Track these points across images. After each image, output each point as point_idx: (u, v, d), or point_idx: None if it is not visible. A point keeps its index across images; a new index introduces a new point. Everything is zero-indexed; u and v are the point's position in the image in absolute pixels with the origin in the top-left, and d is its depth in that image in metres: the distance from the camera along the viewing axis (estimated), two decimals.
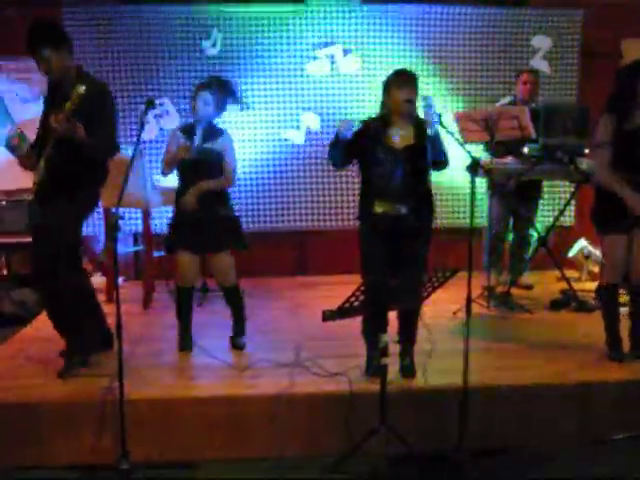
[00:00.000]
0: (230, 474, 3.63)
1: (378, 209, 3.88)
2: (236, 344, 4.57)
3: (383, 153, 3.83)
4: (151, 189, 5.51)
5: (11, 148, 4.04)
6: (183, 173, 4.41)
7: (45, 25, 3.95)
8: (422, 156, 3.86)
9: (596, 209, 4.29)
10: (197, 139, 4.38)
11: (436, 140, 3.82)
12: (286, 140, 6.72)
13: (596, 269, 6.48)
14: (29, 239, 5.93)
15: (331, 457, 3.61)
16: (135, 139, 3.64)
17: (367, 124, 3.93)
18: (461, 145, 3.61)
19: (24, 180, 4.04)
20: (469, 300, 3.52)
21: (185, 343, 4.53)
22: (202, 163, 4.35)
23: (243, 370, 4.10)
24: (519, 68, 6.31)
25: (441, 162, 3.93)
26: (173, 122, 6.45)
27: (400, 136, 3.88)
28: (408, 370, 4.02)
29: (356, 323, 3.94)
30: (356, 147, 3.86)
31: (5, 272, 6.57)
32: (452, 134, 3.64)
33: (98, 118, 3.87)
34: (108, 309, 4.53)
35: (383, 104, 3.95)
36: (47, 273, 3.94)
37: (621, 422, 3.85)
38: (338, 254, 6.69)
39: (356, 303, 3.18)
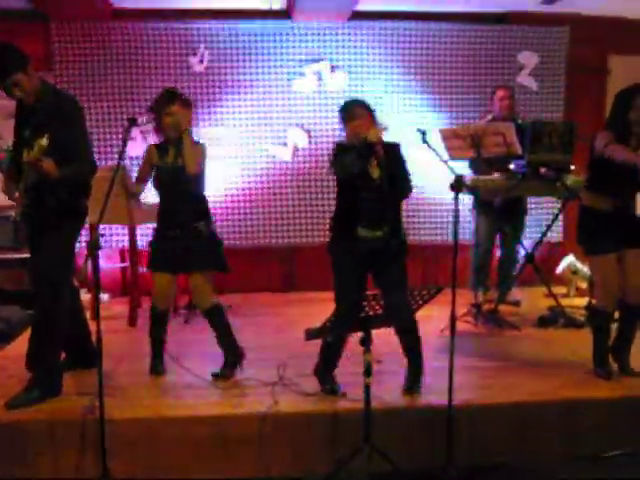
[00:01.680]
0: None
1: (360, 234, 3.85)
2: (223, 374, 4.27)
3: (362, 182, 3.79)
4: (136, 205, 5.48)
5: None
6: (164, 194, 4.26)
7: (7, 51, 3.74)
8: (395, 181, 3.84)
9: (581, 229, 4.26)
10: (170, 157, 4.22)
11: (399, 169, 3.85)
12: (273, 157, 6.72)
13: (584, 285, 6.49)
14: (14, 255, 5.92)
15: (317, 476, 3.58)
16: (119, 156, 3.61)
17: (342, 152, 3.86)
18: (444, 162, 3.61)
19: None
20: (453, 318, 3.50)
21: (156, 367, 4.39)
22: (180, 182, 4.17)
23: (228, 389, 4.06)
24: (501, 84, 6.30)
25: (404, 192, 3.92)
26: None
27: (372, 165, 3.80)
28: (410, 389, 3.99)
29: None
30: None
31: None
32: (435, 151, 3.62)
33: (70, 139, 3.78)
34: (93, 326, 4.50)
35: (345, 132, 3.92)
36: (46, 298, 3.88)
37: (609, 439, 3.84)
38: (327, 270, 6.66)
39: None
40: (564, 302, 5.81)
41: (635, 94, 4.01)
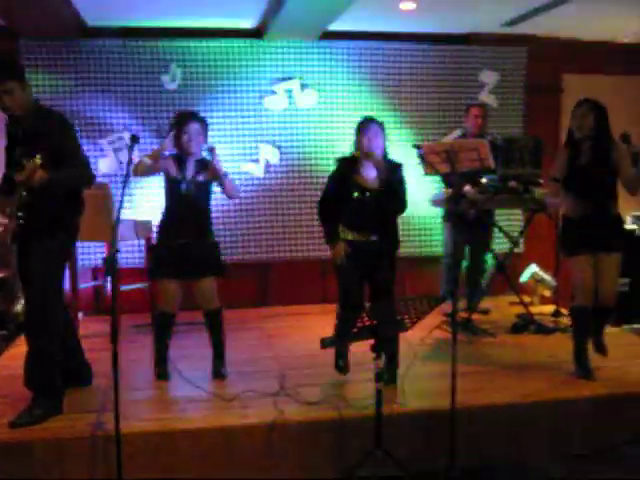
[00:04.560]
0: None
1: (349, 237, 4.23)
2: (220, 374, 4.56)
3: (356, 192, 4.17)
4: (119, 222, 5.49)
5: None
6: (176, 206, 4.44)
7: (6, 58, 3.84)
8: (390, 196, 4.17)
9: (562, 233, 4.61)
10: (189, 172, 4.41)
11: (397, 186, 4.20)
12: (246, 173, 6.80)
13: (547, 293, 6.76)
14: None
15: None
16: (125, 174, 3.66)
17: (340, 166, 4.30)
18: (445, 177, 3.80)
19: None
20: (454, 324, 3.69)
21: (162, 371, 4.53)
22: (195, 196, 4.41)
23: (230, 401, 4.12)
24: (468, 102, 6.57)
25: (397, 208, 4.29)
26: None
27: (369, 177, 4.22)
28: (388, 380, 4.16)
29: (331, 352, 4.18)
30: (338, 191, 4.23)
31: None
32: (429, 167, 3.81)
33: (66, 151, 3.84)
34: (86, 345, 4.55)
35: (355, 144, 4.29)
36: (40, 317, 3.89)
37: (596, 436, 4.11)
38: (298, 285, 6.82)
39: (354, 329, 3.30)
40: (530, 310, 6.05)
41: (575, 107, 4.49)
